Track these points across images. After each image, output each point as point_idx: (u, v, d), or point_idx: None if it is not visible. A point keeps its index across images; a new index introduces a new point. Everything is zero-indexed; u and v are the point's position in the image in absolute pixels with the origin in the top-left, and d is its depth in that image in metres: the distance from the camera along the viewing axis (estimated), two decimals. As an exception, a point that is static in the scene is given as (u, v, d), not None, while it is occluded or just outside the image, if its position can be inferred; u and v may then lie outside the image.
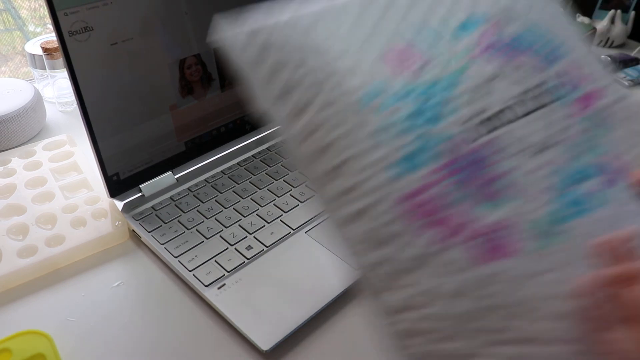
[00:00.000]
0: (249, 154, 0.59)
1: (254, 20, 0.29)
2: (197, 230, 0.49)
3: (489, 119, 0.29)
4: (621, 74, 0.84)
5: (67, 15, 0.42)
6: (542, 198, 0.27)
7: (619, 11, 0.93)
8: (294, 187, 0.54)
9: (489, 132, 0.28)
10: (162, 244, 0.47)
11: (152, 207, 0.51)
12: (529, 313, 0.25)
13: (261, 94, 0.29)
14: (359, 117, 0.27)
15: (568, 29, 0.34)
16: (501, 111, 0.29)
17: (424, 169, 0.27)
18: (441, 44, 0.30)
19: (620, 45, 0.95)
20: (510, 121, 0.29)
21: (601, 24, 0.94)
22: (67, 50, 0.43)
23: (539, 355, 0.25)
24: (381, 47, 0.29)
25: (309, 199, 0.52)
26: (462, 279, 0.26)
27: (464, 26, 0.30)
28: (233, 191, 0.53)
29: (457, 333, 0.25)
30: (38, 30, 0.92)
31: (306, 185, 0.54)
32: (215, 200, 0.52)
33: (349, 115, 0.27)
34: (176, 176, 0.54)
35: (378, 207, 0.26)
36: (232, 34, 0.29)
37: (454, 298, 0.25)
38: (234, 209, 0.51)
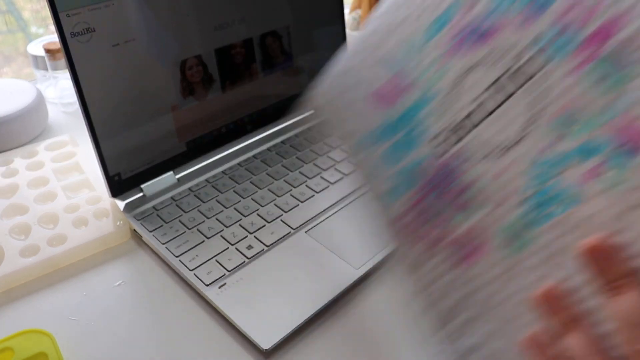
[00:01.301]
0: (250, 154, 0.59)
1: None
2: (198, 229, 0.49)
3: (456, 128, 0.28)
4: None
5: (69, 16, 0.43)
6: (511, 202, 0.26)
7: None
8: (295, 187, 0.54)
9: (457, 141, 0.28)
10: (163, 244, 0.47)
11: (154, 207, 0.51)
12: (498, 315, 0.28)
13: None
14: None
15: None
16: (468, 115, 0.28)
17: (405, 195, 0.31)
18: (417, 55, 0.30)
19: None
20: (480, 121, 0.28)
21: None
22: (69, 52, 0.43)
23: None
24: (366, 91, 0.32)
25: (309, 198, 0.53)
26: (446, 281, 0.30)
27: (430, 30, 0.30)
28: (234, 191, 0.54)
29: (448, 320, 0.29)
30: (40, 31, 0.92)
31: (306, 186, 0.54)
32: (216, 200, 0.52)
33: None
34: (177, 176, 0.54)
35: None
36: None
37: (442, 295, 0.30)
38: (234, 208, 0.51)
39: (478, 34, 0.28)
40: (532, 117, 0.26)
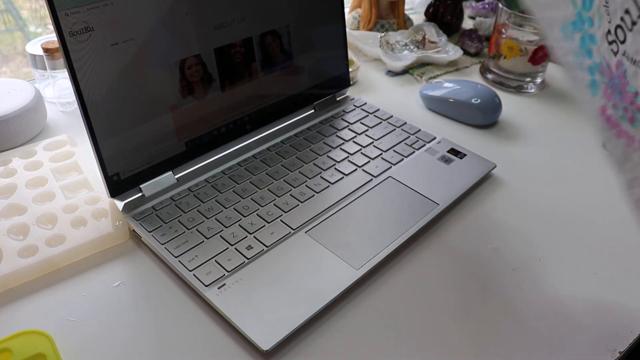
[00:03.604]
0: (249, 154, 0.59)
1: None
2: (197, 230, 0.49)
3: (614, 35, 0.27)
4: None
5: (67, 15, 0.43)
6: None
7: None
8: (294, 187, 0.54)
9: (617, 52, 0.28)
10: (162, 244, 0.47)
11: (153, 207, 0.51)
12: None
13: None
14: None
15: None
16: (619, 24, 0.27)
17: (600, 90, 0.29)
18: None
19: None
20: (628, 29, 0.26)
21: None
22: (67, 51, 0.43)
23: None
24: None
25: (309, 198, 0.53)
26: None
27: None
28: (233, 191, 0.53)
29: None
30: (39, 30, 0.92)
31: (306, 186, 0.54)
32: (216, 200, 0.52)
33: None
34: (176, 176, 0.54)
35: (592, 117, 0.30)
36: None
37: None
38: (234, 209, 0.51)
39: None
40: None
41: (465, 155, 0.60)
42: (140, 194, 0.51)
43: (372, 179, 0.56)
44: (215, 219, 0.50)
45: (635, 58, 0.26)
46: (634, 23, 0.25)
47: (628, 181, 0.29)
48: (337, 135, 0.63)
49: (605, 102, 0.29)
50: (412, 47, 0.83)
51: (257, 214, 0.51)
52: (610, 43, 0.27)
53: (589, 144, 0.66)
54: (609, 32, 0.27)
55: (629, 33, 0.26)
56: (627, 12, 0.25)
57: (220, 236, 0.48)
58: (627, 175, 0.30)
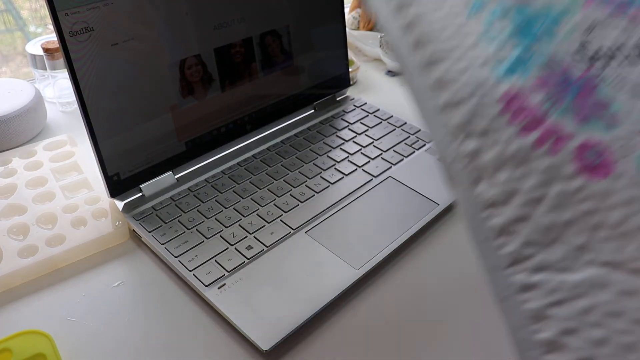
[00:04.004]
0: (249, 154, 0.59)
1: None
2: (197, 230, 0.49)
3: (598, 52, 0.27)
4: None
5: (67, 15, 0.43)
6: None
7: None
8: (294, 187, 0.54)
9: (597, 63, 0.27)
10: (162, 244, 0.47)
11: (153, 207, 0.51)
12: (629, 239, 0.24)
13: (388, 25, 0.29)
14: (468, 18, 0.27)
15: None
16: (615, 49, 0.27)
17: (533, 74, 0.26)
18: None
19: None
20: (627, 57, 0.27)
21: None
22: (67, 51, 0.43)
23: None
24: None
25: (309, 198, 0.53)
26: (566, 188, 0.24)
27: None
28: (233, 191, 0.53)
29: (554, 242, 0.24)
30: (39, 30, 0.92)
31: (306, 186, 0.54)
32: (216, 200, 0.52)
33: (458, 13, 0.27)
34: (176, 176, 0.54)
35: (482, 100, 0.26)
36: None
37: (555, 205, 0.24)
38: (234, 209, 0.51)
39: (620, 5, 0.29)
40: None
41: (465, 155, 0.60)
42: (140, 194, 0.51)
43: (372, 179, 0.56)
44: (215, 219, 0.50)
45: (621, 77, 0.27)
46: (628, 56, 0.27)
47: (505, 193, 0.25)
48: (337, 135, 0.63)
49: (530, 90, 0.26)
50: (412, 47, 0.83)
51: (257, 214, 0.51)
52: (582, 56, 0.27)
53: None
54: (583, 47, 0.27)
55: (619, 62, 0.27)
56: (620, 47, 0.27)
57: (220, 236, 0.48)
58: (507, 184, 0.25)
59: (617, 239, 0.24)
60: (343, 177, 0.56)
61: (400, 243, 0.48)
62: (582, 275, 0.23)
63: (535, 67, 0.26)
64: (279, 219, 0.50)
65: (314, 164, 0.57)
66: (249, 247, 0.47)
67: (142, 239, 0.49)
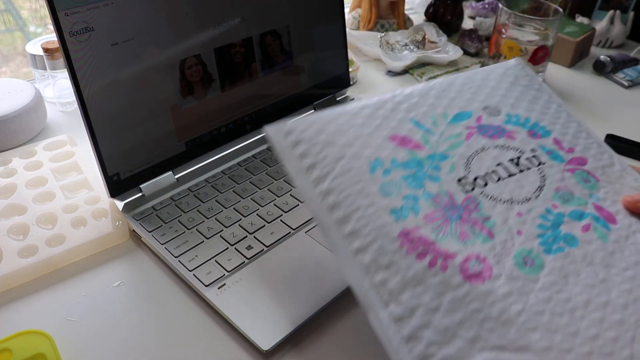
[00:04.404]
0: (249, 154, 0.59)
1: (291, 124, 0.38)
2: (197, 230, 0.49)
3: (485, 177, 0.37)
4: (620, 74, 0.84)
5: (67, 15, 0.43)
6: (529, 234, 0.35)
7: (618, 12, 0.93)
8: (294, 187, 0.54)
9: (485, 185, 0.37)
10: (162, 244, 0.47)
11: (153, 207, 0.51)
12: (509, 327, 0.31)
13: (292, 169, 0.37)
14: (370, 178, 0.35)
15: (550, 110, 0.43)
16: (494, 172, 0.37)
17: (419, 213, 0.34)
18: (435, 134, 0.39)
19: (620, 46, 0.95)
20: (504, 178, 0.37)
21: (600, 25, 0.94)
22: (67, 51, 0.43)
23: None
24: (387, 133, 0.38)
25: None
26: (456, 295, 0.31)
27: (456, 118, 0.40)
28: (233, 191, 0.53)
29: (452, 339, 0.30)
30: (39, 30, 0.92)
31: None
32: (216, 200, 0.52)
33: (360, 178, 0.35)
34: (176, 176, 0.54)
35: (384, 241, 0.32)
36: (274, 132, 0.38)
37: (448, 310, 0.31)
38: (234, 209, 0.51)
39: (495, 131, 0.40)
40: (540, 186, 0.37)
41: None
42: (140, 194, 0.51)
43: (372, 179, 0.56)
44: (215, 219, 0.50)
45: (495, 196, 0.36)
46: (501, 178, 0.37)
47: (409, 309, 0.30)
48: (337, 135, 0.62)
49: (421, 224, 0.33)
50: (412, 47, 0.83)
51: (257, 214, 0.51)
52: (462, 184, 0.36)
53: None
54: (464, 177, 0.37)
55: (493, 183, 0.37)
56: (494, 172, 0.37)
57: (220, 236, 0.48)
58: (410, 301, 0.31)
59: (500, 327, 0.30)
60: (343, 177, 0.56)
61: (400, 243, 0.48)
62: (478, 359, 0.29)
63: (424, 206, 0.34)
64: (279, 219, 0.50)
65: (314, 164, 0.57)
66: (249, 247, 0.47)
67: (142, 239, 0.49)
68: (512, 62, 0.47)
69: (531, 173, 0.38)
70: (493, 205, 0.36)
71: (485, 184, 0.37)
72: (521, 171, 0.38)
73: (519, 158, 0.39)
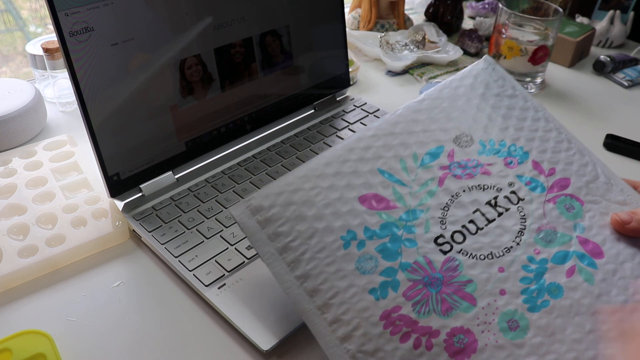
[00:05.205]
0: (249, 154, 0.59)
1: (256, 200, 0.36)
2: (197, 230, 0.49)
3: (449, 238, 0.36)
4: (620, 74, 0.84)
5: (67, 15, 0.43)
6: (512, 293, 0.34)
7: (618, 12, 0.93)
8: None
9: (462, 241, 0.35)
10: (162, 244, 0.47)
11: (153, 207, 0.51)
12: None
13: (264, 253, 0.36)
14: (344, 256, 0.34)
15: (526, 120, 0.41)
16: (471, 221, 0.36)
17: (399, 289, 0.33)
18: (407, 185, 0.37)
19: (620, 46, 0.95)
20: (482, 228, 0.36)
21: (600, 25, 0.94)
22: (67, 51, 0.43)
23: None
24: (356, 194, 0.36)
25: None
26: None
27: (427, 157, 0.39)
28: (233, 191, 0.53)
29: None
30: (39, 30, 0.92)
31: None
32: (216, 200, 0.52)
33: (335, 257, 0.34)
34: (176, 176, 0.54)
35: (367, 326, 0.33)
36: (239, 214, 0.36)
37: None
38: (234, 209, 0.51)
39: (469, 168, 0.39)
40: (520, 230, 0.36)
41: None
42: (140, 194, 0.51)
43: (372, 179, 0.56)
44: (215, 219, 0.50)
45: (474, 253, 0.35)
46: (480, 229, 0.36)
47: None
48: (337, 135, 0.63)
49: (401, 302, 0.33)
50: (412, 47, 0.83)
51: (257, 214, 0.51)
52: (440, 244, 0.35)
53: (589, 143, 0.66)
54: (441, 235, 0.35)
55: (471, 236, 0.36)
56: (471, 221, 0.36)
57: (220, 236, 0.48)
58: None
59: None
60: (343, 177, 0.56)
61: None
62: None
63: (403, 280, 0.34)
64: (279, 219, 0.50)
65: (314, 164, 0.57)
66: (249, 247, 0.47)
67: (142, 239, 0.49)
68: (481, 64, 0.44)
69: (511, 215, 0.37)
70: (473, 264, 0.35)
71: (464, 239, 0.35)
72: (500, 214, 0.37)
73: (496, 198, 0.37)
